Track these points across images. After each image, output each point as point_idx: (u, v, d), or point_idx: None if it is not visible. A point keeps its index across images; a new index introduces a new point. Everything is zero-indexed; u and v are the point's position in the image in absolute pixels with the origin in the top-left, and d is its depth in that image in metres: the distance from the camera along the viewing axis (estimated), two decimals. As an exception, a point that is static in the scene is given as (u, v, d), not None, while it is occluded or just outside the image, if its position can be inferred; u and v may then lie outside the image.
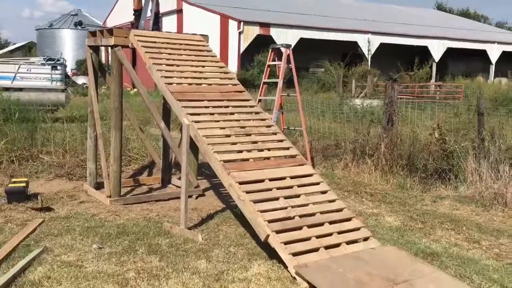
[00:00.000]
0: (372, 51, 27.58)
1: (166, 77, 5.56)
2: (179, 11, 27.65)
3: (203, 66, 6.10)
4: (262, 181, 4.59)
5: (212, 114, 5.31)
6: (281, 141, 5.31)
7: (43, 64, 15.56)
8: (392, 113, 9.81)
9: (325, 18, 28.80)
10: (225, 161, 4.65)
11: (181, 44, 6.32)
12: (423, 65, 26.03)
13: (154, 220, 5.52)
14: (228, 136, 5.05)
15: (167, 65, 5.83)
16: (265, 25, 24.68)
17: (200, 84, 5.73)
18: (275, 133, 5.37)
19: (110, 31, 6.11)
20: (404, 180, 7.71)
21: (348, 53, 26.26)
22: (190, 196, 6.75)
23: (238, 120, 5.34)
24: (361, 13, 32.70)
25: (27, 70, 14.42)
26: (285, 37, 24.76)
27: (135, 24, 6.88)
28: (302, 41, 25.00)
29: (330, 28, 26.66)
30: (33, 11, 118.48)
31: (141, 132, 7.68)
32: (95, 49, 6.79)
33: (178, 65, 5.91)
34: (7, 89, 12.04)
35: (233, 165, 4.64)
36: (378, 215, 6.05)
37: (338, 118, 15.60)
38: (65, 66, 16.24)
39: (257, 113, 5.62)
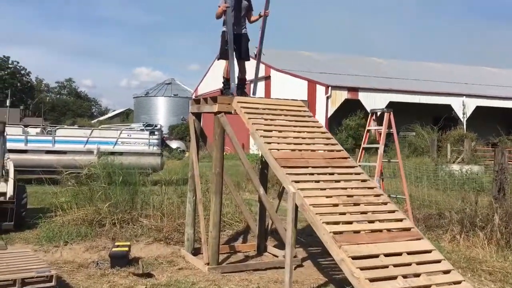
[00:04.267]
0: (468, 114, 26.24)
1: (269, 142, 5.48)
2: (267, 78, 28.51)
3: (305, 132, 5.97)
4: (376, 256, 4.20)
5: (317, 181, 5.08)
6: (393, 211, 4.91)
7: (142, 130, 16.51)
8: (503, 181, 9.01)
9: (415, 81, 28.17)
10: (335, 233, 4.34)
11: (282, 109, 6.28)
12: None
13: (255, 292, 5.24)
14: (336, 205, 4.76)
15: (269, 130, 5.77)
16: (353, 90, 24.58)
17: (303, 150, 5.58)
18: (385, 203, 4.99)
19: (214, 99, 6.23)
20: (527, 258, 6.83)
21: (439, 116, 25.18)
22: (288, 267, 6.45)
23: (345, 188, 5.05)
24: (454, 76, 31.61)
25: (128, 135, 15.30)
26: (373, 101, 24.40)
27: (224, 92, 6.97)
28: (391, 105, 24.44)
29: (421, 92, 25.93)
30: (130, 80, 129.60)
31: (238, 197, 7.60)
32: (198, 116, 6.97)
33: (280, 131, 5.83)
34: (111, 153, 12.75)
35: (343, 237, 4.31)
36: (505, 299, 5.30)
37: (435, 185, 14.64)
38: (162, 132, 17.07)
39: (364, 180, 5.31)
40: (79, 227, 7.63)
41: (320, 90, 24.46)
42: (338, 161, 5.49)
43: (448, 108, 26.20)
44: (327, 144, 5.82)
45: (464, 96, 26.50)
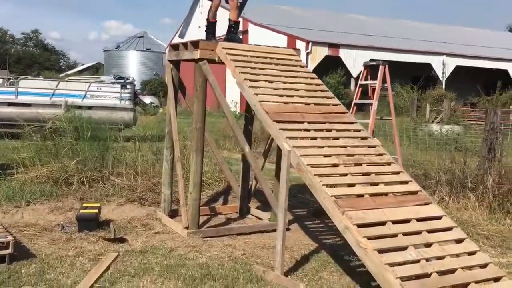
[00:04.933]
0: (447, 74, 25.97)
1: (259, 94, 4.84)
2: (244, 32, 27.40)
3: (298, 83, 5.33)
4: (383, 223, 3.70)
5: (314, 138, 4.50)
6: (397, 173, 4.39)
7: (113, 83, 15.52)
8: (494, 141, 8.68)
9: (396, 40, 27.58)
10: (336, 197, 3.79)
11: (272, 58, 5.61)
12: (507, 89, 24.09)
13: (241, 260, 4.72)
14: (336, 165, 4.21)
15: (258, 80, 5.11)
16: (334, 46, 23.85)
17: (297, 103, 4.96)
18: (388, 163, 4.47)
19: (195, 44, 5.49)
20: (523, 221, 6.53)
21: (418, 75, 24.86)
22: (274, 230, 5.97)
23: (345, 147, 4.49)
24: (434, 35, 31.11)
25: (97, 88, 14.34)
26: (354, 58, 23.81)
27: (207, 37, 6.19)
28: (371, 62, 23.90)
29: (402, 50, 25.41)
30: (100, 34, 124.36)
31: (219, 155, 6.98)
32: (176, 64, 6.22)
33: (271, 81, 5.18)
34: (79, 107, 11.87)
35: (346, 202, 3.77)
36: (510, 266, 4.94)
37: (416, 144, 14.33)
38: (134, 85, 16.11)
39: (364, 138, 4.75)
40: (43, 186, 6.92)
41: (300, 45, 23.61)
42: (336, 116, 4.91)
43: (427, 67, 25.86)
44: (322, 97, 5.21)
45: (445, 55, 26.16)
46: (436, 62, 26.04)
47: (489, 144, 8.69)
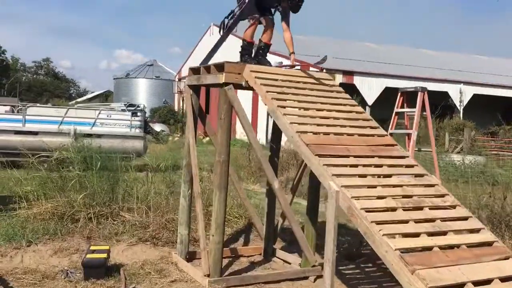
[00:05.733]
0: (465, 103, 25.31)
1: (295, 123, 4.18)
2: (256, 60, 27.08)
3: (337, 111, 4.68)
4: (462, 285, 2.97)
5: (363, 176, 3.81)
6: (466, 218, 3.68)
7: (123, 110, 15.02)
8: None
9: (411, 67, 27.03)
10: (402, 250, 3.08)
11: (305, 82, 4.99)
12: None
13: (275, 320, 3.98)
14: (394, 209, 3.50)
15: (293, 107, 4.48)
16: (348, 73, 23.33)
17: (339, 133, 4.29)
18: (453, 206, 3.76)
19: (220, 67, 4.89)
20: None
21: (434, 104, 24.22)
22: (306, 278, 5.25)
23: (401, 186, 3.79)
24: (450, 63, 30.56)
25: (107, 116, 13.82)
26: (368, 86, 23.27)
27: (243, 59, 5.63)
28: (386, 90, 23.33)
29: (418, 77, 24.80)
30: (110, 62, 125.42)
31: (241, 190, 6.30)
32: (196, 89, 5.62)
33: (306, 109, 4.54)
34: (88, 135, 11.32)
35: (416, 258, 3.06)
36: None
37: (441, 176, 13.55)
38: (145, 113, 15.59)
39: (419, 175, 4.05)
40: (47, 223, 6.27)
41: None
42: (384, 149, 4.23)
43: (444, 95, 25.20)
44: (365, 127, 4.55)
45: (462, 84, 25.53)
46: (453, 91, 25.40)
47: (533, 178, 7.98)
